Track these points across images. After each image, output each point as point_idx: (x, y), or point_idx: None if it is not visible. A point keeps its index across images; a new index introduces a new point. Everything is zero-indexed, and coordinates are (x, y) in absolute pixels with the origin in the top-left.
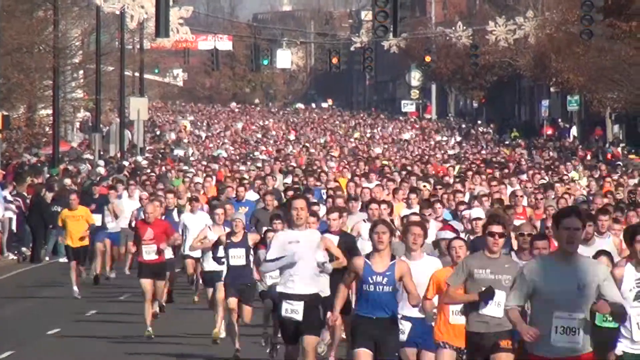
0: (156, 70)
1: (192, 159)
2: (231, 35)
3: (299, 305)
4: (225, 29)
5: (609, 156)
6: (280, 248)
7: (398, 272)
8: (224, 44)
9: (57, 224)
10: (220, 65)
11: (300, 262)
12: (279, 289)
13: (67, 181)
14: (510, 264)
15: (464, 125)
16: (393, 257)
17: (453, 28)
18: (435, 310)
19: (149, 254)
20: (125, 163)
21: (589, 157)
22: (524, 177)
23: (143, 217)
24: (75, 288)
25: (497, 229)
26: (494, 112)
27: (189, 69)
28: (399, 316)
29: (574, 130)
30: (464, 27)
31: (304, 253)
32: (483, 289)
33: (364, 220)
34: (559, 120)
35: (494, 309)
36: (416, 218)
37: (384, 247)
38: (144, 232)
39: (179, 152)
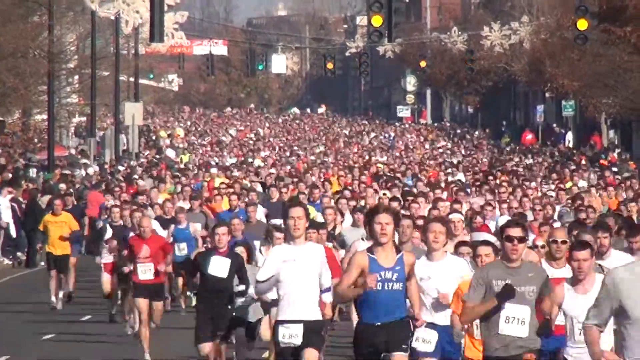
0: (151, 76)
1: (185, 165)
2: (226, 40)
3: (298, 329)
4: (220, 34)
5: (604, 162)
6: (273, 266)
7: (408, 265)
8: (219, 49)
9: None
10: (215, 71)
11: (297, 285)
12: (277, 316)
13: (63, 186)
14: (535, 272)
15: (459, 131)
16: (398, 250)
17: (448, 33)
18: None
19: (144, 273)
20: (120, 168)
21: (583, 162)
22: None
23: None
24: (53, 298)
25: (516, 232)
26: (489, 118)
27: (184, 74)
28: (421, 324)
29: (569, 136)
30: (459, 33)
31: (302, 273)
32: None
33: (362, 239)
34: (554, 125)
35: (516, 327)
36: (436, 213)
37: (387, 239)
38: (140, 249)
39: (170, 155)
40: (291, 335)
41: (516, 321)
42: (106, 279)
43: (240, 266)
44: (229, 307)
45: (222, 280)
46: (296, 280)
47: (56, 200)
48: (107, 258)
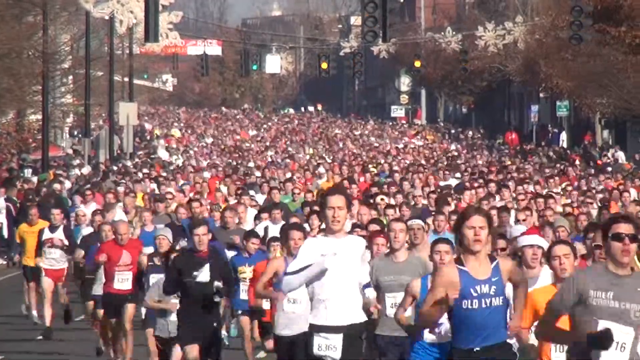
0: (145, 76)
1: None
2: (220, 41)
3: (337, 340)
4: (214, 34)
5: (599, 162)
6: (308, 260)
7: (506, 273)
8: (213, 49)
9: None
10: (209, 71)
11: (336, 282)
12: (310, 320)
13: (57, 186)
14: None
15: (453, 131)
16: (493, 258)
17: (442, 33)
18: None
19: (121, 282)
20: (114, 168)
21: (577, 162)
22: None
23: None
24: (34, 312)
25: (627, 228)
26: (484, 118)
27: (179, 74)
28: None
29: (563, 136)
30: (454, 33)
31: (344, 269)
32: (600, 323)
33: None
34: (549, 125)
35: (615, 355)
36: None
37: (481, 246)
38: (118, 256)
39: (163, 155)
40: (328, 347)
41: (616, 346)
42: (47, 284)
43: (223, 265)
44: (215, 320)
45: (205, 285)
46: (337, 278)
47: (31, 210)
48: (46, 262)
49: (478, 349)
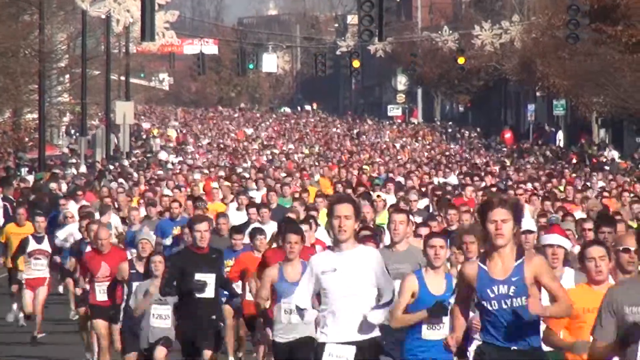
0: (142, 75)
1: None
2: (217, 40)
3: (349, 352)
4: (211, 33)
5: (594, 161)
6: (311, 280)
7: (531, 272)
8: (210, 48)
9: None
10: (206, 70)
11: (339, 298)
12: (320, 339)
13: (53, 185)
14: None
15: (450, 130)
16: (520, 254)
17: (439, 32)
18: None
19: (102, 293)
20: (111, 167)
21: (574, 161)
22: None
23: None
24: (21, 315)
25: None
26: (480, 117)
27: (175, 73)
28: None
29: (560, 135)
30: (450, 32)
31: (348, 284)
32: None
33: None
34: (545, 125)
35: None
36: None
37: (505, 241)
38: (97, 266)
39: (162, 157)
40: (339, 357)
41: None
42: (28, 296)
43: (221, 265)
44: (214, 314)
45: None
46: (339, 294)
47: (19, 209)
48: (30, 273)
49: (504, 346)
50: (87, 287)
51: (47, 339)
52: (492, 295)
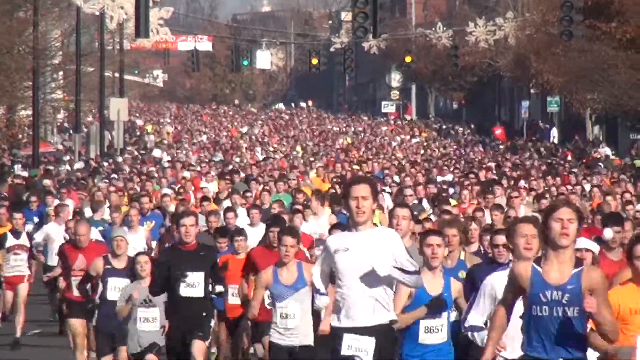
0: (136, 71)
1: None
2: (211, 36)
3: (368, 343)
4: (205, 29)
5: (589, 158)
6: (325, 261)
7: (588, 282)
8: (204, 44)
9: None
10: (200, 66)
11: (352, 279)
12: (333, 322)
13: (47, 182)
14: None
15: (444, 127)
16: (579, 262)
17: (433, 29)
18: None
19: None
20: (105, 164)
21: (569, 158)
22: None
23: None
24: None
25: None
26: (474, 113)
27: (169, 69)
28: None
29: (554, 132)
30: (444, 28)
31: (360, 265)
32: None
33: None
34: (539, 121)
35: None
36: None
37: (569, 242)
38: (74, 259)
39: (157, 154)
40: (359, 349)
41: None
42: (8, 296)
43: (215, 263)
44: (204, 311)
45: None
46: (352, 276)
47: (0, 210)
48: (9, 270)
49: (550, 358)
50: (64, 284)
51: (28, 340)
52: (544, 300)
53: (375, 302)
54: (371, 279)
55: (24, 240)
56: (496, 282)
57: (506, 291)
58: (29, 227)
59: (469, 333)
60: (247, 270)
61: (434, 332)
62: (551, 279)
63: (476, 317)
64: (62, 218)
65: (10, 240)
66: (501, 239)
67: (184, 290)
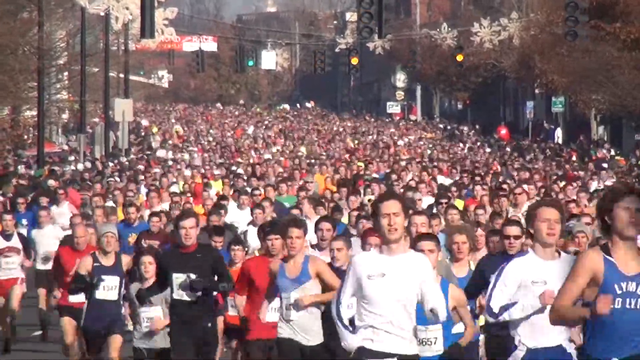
0: (141, 72)
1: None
2: (216, 37)
3: None
4: (210, 30)
5: (594, 158)
6: (353, 285)
7: None
8: (209, 45)
9: None
10: (205, 67)
11: (385, 307)
12: (362, 343)
13: (52, 182)
14: None
15: (449, 127)
16: None
17: (437, 30)
18: None
19: (74, 295)
20: (110, 165)
21: (574, 158)
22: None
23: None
24: None
25: None
26: (479, 114)
27: (174, 70)
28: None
29: (558, 132)
30: (449, 29)
31: (393, 292)
32: None
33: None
34: (544, 122)
35: None
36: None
37: (636, 232)
38: (71, 264)
39: (161, 154)
40: None
41: None
42: None
43: (217, 261)
44: (209, 323)
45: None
46: (386, 303)
47: None
48: (1, 274)
49: (626, 356)
50: (59, 294)
51: (20, 346)
52: (618, 292)
53: (402, 332)
54: (404, 309)
55: (15, 242)
56: (520, 267)
57: (573, 285)
58: (23, 230)
59: (505, 314)
60: (240, 283)
61: (426, 344)
62: (627, 269)
63: (501, 300)
64: (44, 222)
65: (1, 243)
66: (512, 230)
67: (178, 293)
